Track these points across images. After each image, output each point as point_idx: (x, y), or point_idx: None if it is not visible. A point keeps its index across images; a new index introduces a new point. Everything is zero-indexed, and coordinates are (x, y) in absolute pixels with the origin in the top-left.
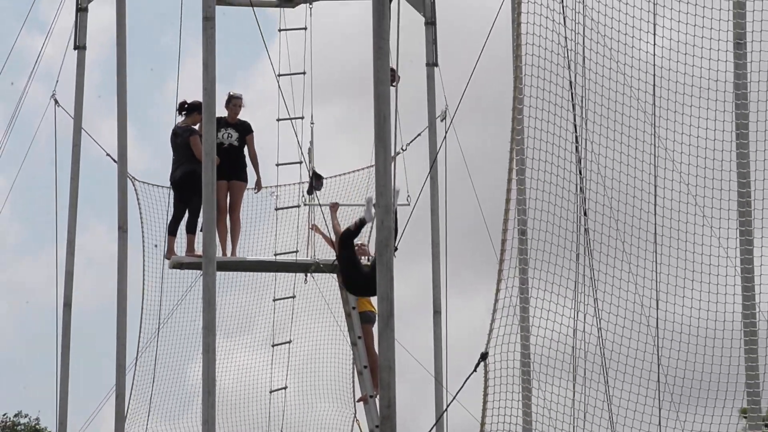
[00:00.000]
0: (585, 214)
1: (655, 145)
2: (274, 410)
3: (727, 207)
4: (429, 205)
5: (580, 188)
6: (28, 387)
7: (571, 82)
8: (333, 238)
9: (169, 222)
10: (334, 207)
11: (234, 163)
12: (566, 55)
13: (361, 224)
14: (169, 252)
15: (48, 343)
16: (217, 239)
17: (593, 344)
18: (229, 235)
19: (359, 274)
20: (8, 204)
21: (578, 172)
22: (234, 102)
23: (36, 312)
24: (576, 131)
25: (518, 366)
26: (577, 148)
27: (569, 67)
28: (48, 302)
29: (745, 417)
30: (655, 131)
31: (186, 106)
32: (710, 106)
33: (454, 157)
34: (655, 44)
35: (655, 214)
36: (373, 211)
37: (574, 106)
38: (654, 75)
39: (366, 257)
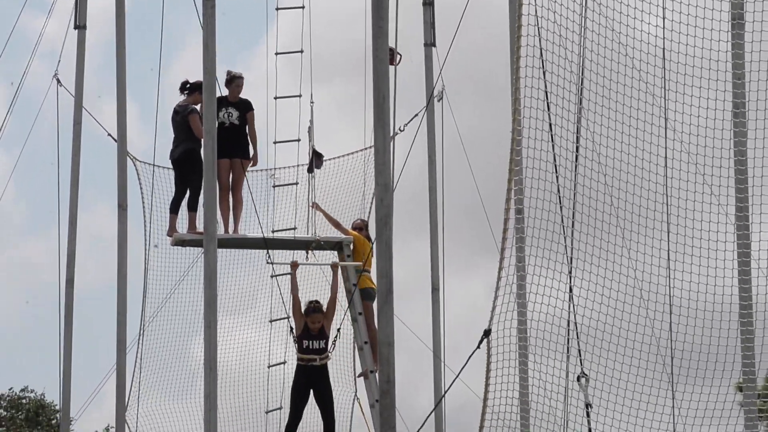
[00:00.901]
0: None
1: (665, 128)
2: (273, 385)
3: (726, 184)
4: (427, 184)
5: (575, 165)
6: (35, 363)
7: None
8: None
9: (171, 200)
10: (294, 266)
11: (235, 142)
12: (566, 35)
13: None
14: (171, 230)
15: (53, 320)
16: (219, 217)
17: (590, 318)
18: (231, 212)
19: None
20: (12, 183)
21: (576, 150)
22: (236, 82)
23: (40, 290)
24: (579, 109)
25: (516, 342)
26: (577, 127)
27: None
28: (52, 280)
29: (741, 390)
30: (665, 113)
31: (188, 85)
32: (707, 86)
33: (452, 137)
34: (664, 27)
35: (667, 196)
36: None
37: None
38: (663, 57)
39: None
